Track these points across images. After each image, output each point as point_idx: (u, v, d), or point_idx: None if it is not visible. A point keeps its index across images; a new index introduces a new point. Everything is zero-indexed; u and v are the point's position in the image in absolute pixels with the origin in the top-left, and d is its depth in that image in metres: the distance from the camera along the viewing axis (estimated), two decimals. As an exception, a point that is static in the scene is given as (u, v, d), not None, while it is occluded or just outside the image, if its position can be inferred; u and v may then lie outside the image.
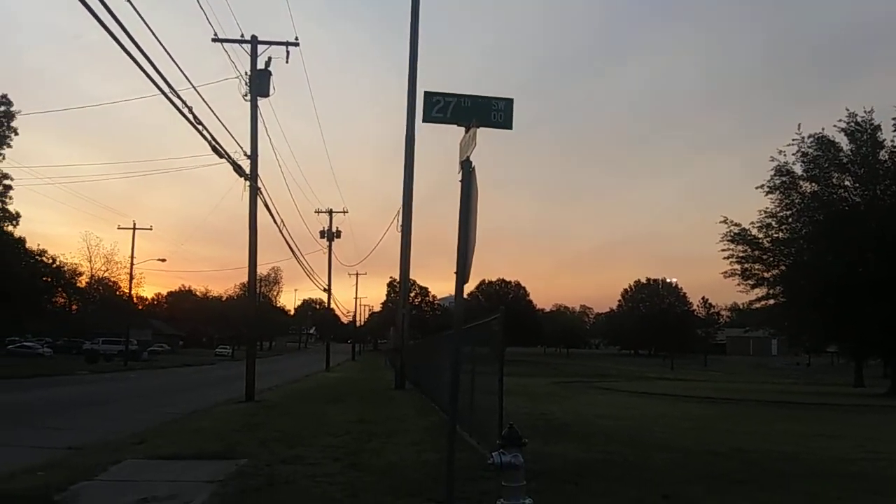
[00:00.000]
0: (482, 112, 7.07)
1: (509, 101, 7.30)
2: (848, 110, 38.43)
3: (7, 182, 54.15)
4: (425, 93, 7.13)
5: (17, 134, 52.37)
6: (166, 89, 13.10)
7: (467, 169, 6.28)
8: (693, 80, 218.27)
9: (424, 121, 7.10)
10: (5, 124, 51.21)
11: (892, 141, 37.73)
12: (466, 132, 6.74)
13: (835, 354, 68.58)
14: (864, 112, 38.22)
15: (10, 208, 55.43)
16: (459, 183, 6.30)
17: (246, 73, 21.76)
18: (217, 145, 17.43)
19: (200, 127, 15.77)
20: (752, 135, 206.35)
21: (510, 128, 7.19)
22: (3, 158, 52.58)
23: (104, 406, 21.29)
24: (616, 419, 18.82)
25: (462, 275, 6.33)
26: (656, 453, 11.67)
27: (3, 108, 51.18)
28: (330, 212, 63.17)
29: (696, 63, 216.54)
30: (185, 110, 14.53)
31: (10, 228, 56.19)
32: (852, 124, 38.67)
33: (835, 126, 38.82)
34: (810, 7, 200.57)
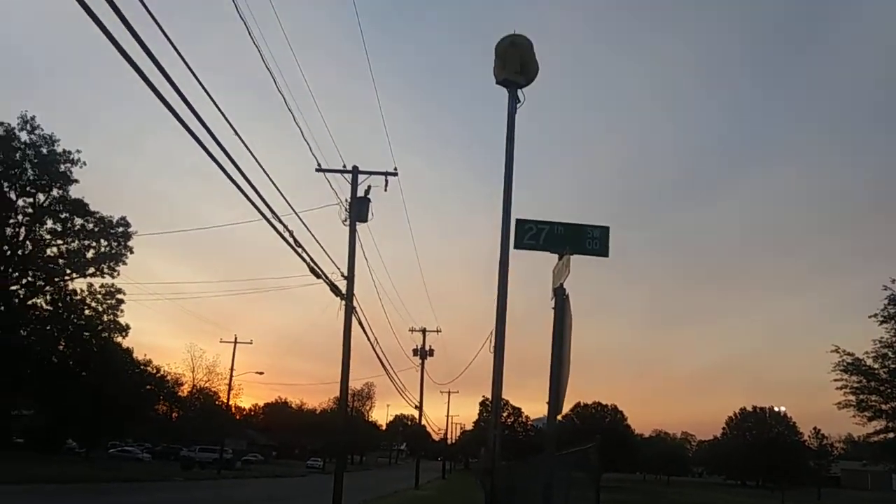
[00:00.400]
0: (576, 240, 7.09)
1: (604, 230, 7.27)
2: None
3: (120, 296, 57.62)
4: (517, 220, 7.22)
5: (132, 253, 56.05)
6: (270, 216, 13.76)
7: (561, 296, 6.27)
8: (801, 204, 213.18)
9: (516, 247, 7.16)
10: (122, 244, 55.08)
11: None
12: (560, 259, 6.77)
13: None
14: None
15: (121, 320, 58.73)
16: (552, 310, 6.30)
17: (346, 200, 22.81)
18: (315, 267, 18.07)
19: (300, 250, 16.45)
20: (864, 261, 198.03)
21: (606, 255, 7.14)
22: (119, 274, 56.08)
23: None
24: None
25: (555, 406, 6.22)
26: None
27: (122, 230, 55.02)
28: (423, 330, 63.78)
29: (803, 187, 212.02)
30: (287, 235, 15.20)
31: (120, 339, 59.40)
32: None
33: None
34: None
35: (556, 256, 6.87)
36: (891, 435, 40.47)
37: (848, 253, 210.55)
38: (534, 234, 7.07)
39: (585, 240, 7.14)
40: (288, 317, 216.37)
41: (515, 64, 9.87)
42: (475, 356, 60.64)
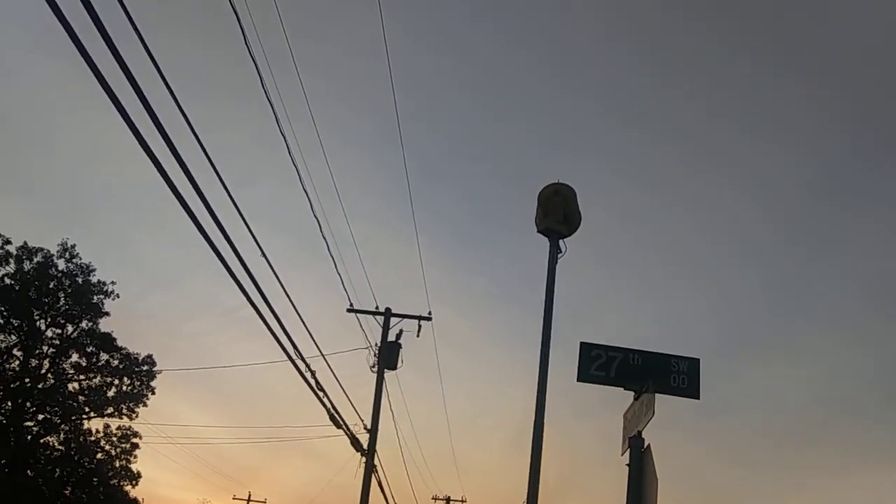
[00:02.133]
0: (659, 373, 5.70)
1: (694, 362, 5.78)
2: None
3: (135, 440, 55.07)
4: (582, 344, 5.90)
5: (154, 393, 54.13)
6: (293, 353, 12.66)
7: (638, 447, 4.89)
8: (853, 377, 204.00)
9: (580, 380, 5.81)
10: (145, 383, 53.23)
11: None
12: (636, 398, 5.46)
13: None
14: None
15: (134, 467, 55.76)
16: (626, 466, 4.93)
17: (376, 345, 21.67)
18: (336, 415, 16.72)
19: (321, 394, 15.20)
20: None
21: (696, 396, 5.66)
22: (137, 416, 53.95)
23: None
24: None
25: None
26: None
27: (146, 368, 53.58)
28: (447, 499, 60.06)
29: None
30: (308, 375, 14.04)
31: (129, 488, 56.21)
32: None
33: None
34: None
35: (624, 394, 5.54)
36: None
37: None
38: (603, 364, 5.73)
39: (670, 375, 5.74)
40: (306, 474, 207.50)
41: (559, 213, 9.50)
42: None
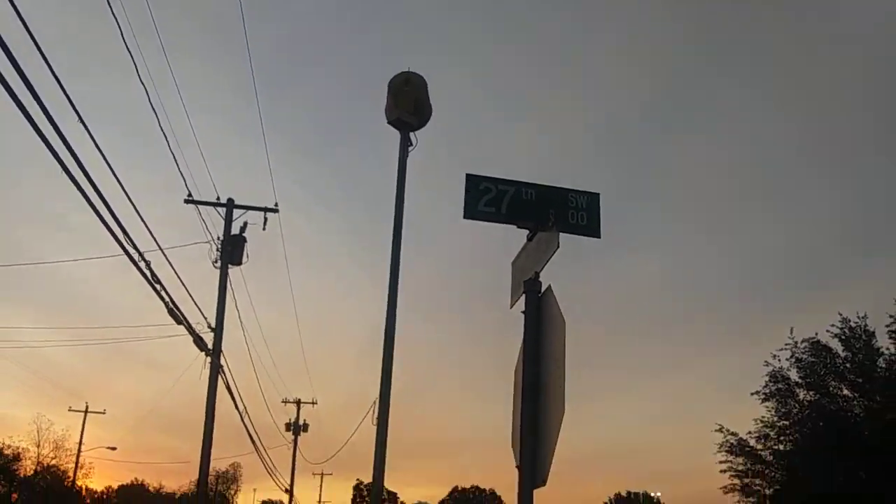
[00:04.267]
0: (555, 209, 4.98)
1: (594, 197, 5.19)
2: (840, 315, 37.11)
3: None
4: (468, 176, 5.03)
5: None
6: (122, 237, 11.16)
7: (534, 292, 4.14)
8: (680, 281, 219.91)
9: (467, 216, 4.99)
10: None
11: (889, 349, 36.11)
12: (530, 239, 4.74)
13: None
14: (858, 318, 36.90)
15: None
16: (522, 315, 4.20)
17: (218, 238, 20.08)
18: (176, 309, 15.34)
19: (158, 287, 13.77)
20: (742, 339, 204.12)
21: (597, 235, 5.06)
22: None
23: None
24: None
25: (531, 476, 3.95)
26: None
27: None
28: (298, 402, 59.76)
29: (681, 264, 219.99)
30: (143, 266, 12.57)
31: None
32: (846, 330, 37.20)
33: (827, 331, 37.27)
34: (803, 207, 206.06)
35: (516, 235, 4.80)
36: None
37: (725, 332, 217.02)
38: (492, 199, 4.91)
39: (567, 211, 5.03)
40: (147, 381, 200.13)
41: (409, 103, 9.23)
42: (356, 429, 57.16)
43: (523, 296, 4.47)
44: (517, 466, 4.33)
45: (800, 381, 37.58)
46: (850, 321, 36.88)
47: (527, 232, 4.86)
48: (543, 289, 4.43)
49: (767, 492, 39.26)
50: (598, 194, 5.06)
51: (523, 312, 4.42)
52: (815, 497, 34.04)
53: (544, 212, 4.81)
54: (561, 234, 4.38)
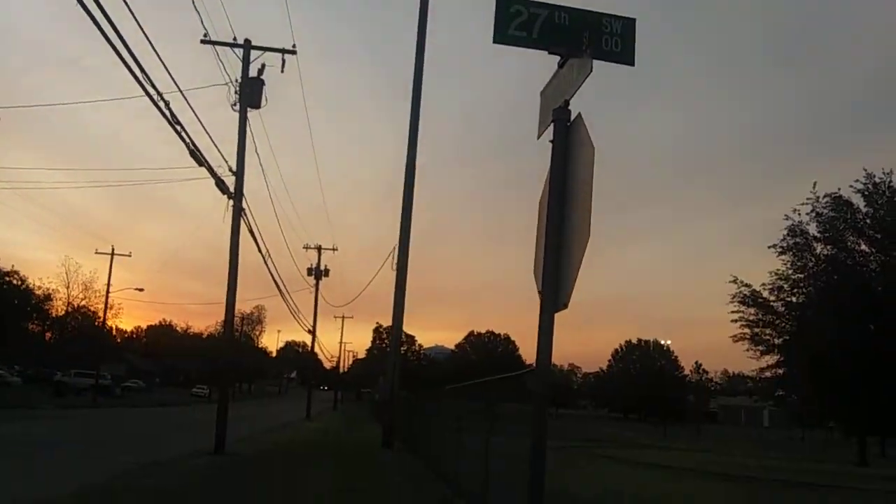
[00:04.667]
0: (590, 34, 4.73)
1: (629, 23, 4.88)
2: (865, 170, 36.61)
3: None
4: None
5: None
6: (141, 77, 10.95)
7: (564, 120, 4.02)
8: (697, 133, 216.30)
9: (496, 41, 4.76)
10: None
11: (911, 204, 35.81)
12: (561, 67, 4.58)
13: (830, 429, 65.84)
14: (883, 173, 36.41)
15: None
16: (550, 145, 4.11)
17: (236, 81, 19.74)
18: (197, 151, 15.29)
19: (179, 128, 13.66)
20: (762, 194, 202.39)
21: (631, 62, 4.84)
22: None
23: (52, 450, 18.67)
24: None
25: (555, 296, 4.00)
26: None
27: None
28: (319, 248, 60.97)
29: (701, 114, 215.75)
30: (163, 106, 12.40)
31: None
32: (869, 185, 36.82)
33: (851, 186, 36.89)
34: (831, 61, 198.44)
35: (547, 61, 4.61)
36: (781, 370, 41.05)
37: (739, 185, 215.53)
38: (524, 22, 4.68)
39: (601, 36, 4.78)
40: (171, 227, 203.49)
41: None
42: (375, 274, 58.64)
43: (552, 125, 4.36)
44: (539, 292, 4.38)
45: (818, 235, 37.64)
46: (874, 176, 36.48)
47: (557, 59, 4.68)
48: (573, 117, 4.32)
49: (777, 341, 40.14)
50: (634, 20, 4.79)
51: (551, 141, 4.32)
52: (824, 347, 34.78)
53: (577, 37, 4.58)
54: (594, 60, 4.21)
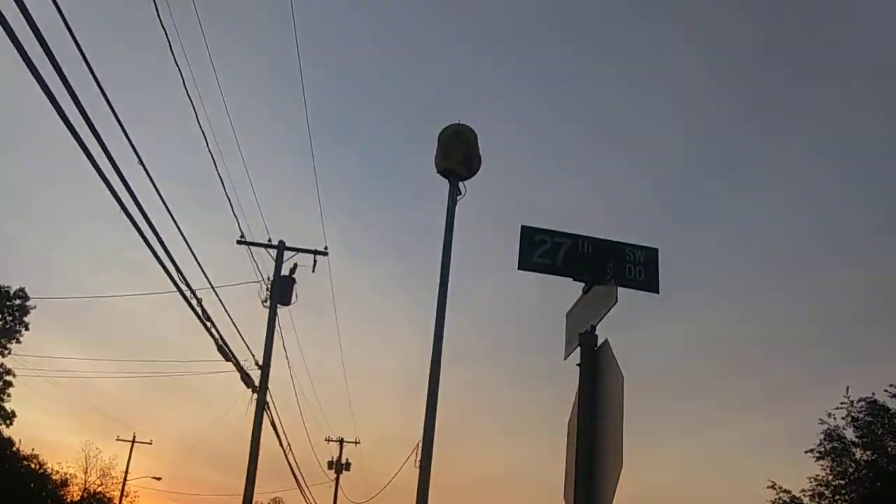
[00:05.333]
0: (612, 262, 4.88)
1: (652, 252, 5.12)
2: (899, 375, 35.98)
3: (8, 378, 51.83)
4: (523, 228, 4.97)
5: (27, 329, 51.21)
6: (176, 276, 11.39)
7: (590, 343, 4.08)
8: (729, 335, 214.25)
9: (521, 267, 4.93)
10: (18, 318, 50.32)
11: (948, 409, 34.86)
12: (586, 292, 4.69)
13: None
14: (915, 378, 35.75)
15: (7, 406, 52.68)
16: (578, 368, 4.14)
17: (268, 279, 20.43)
18: (225, 346, 15.54)
19: (209, 323, 14.00)
20: (790, 398, 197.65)
21: (656, 290, 4.95)
22: (10, 353, 50.87)
23: None
24: None
25: None
26: None
27: (19, 302, 50.44)
28: (340, 441, 59.80)
29: (729, 316, 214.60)
30: (195, 303, 12.79)
31: (2, 427, 53.12)
32: (903, 391, 36.06)
33: (886, 391, 36.19)
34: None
35: (571, 286, 4.72)
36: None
37: (773, 391, 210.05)
38: (548, 251, 4.85)
39: (625, 265, 4.92)
40: (194, 414, 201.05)
41: (458, 154, 9.55)
42: (397, 472, 56.75)
43: (578, 349, 4.42)
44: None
45: (856, 440, 36.50)
46: (905, 382, 35.86)
47: (582, 285, 4.82)
48: (600, 342, 4.38)
49: (823, 553, 37.83)
50: (657, 249, 4.98)
51: (578, 365, 4.36)
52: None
53: (601, 265, 4.75)
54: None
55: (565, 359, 4.54)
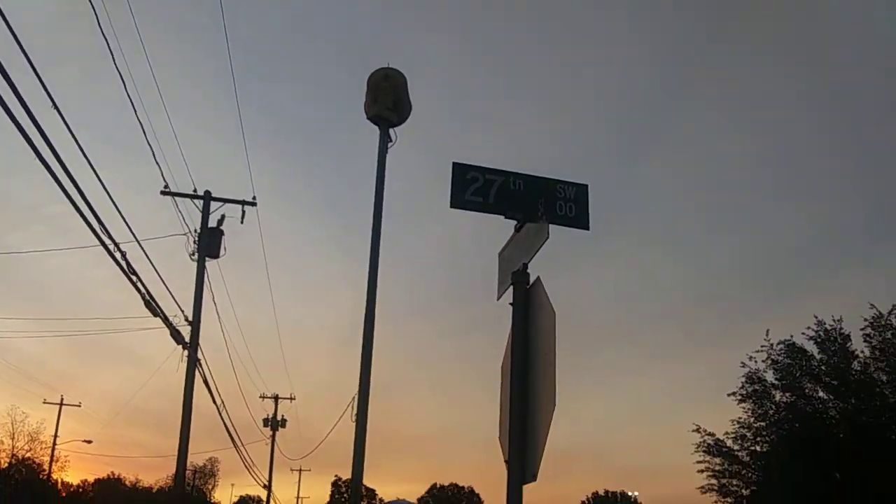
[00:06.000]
0: (543, 199, 4.86)
1: (582, 189, 5.12)
2: (816, 318, 37.25)
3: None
4: (455, 165, 4.91)
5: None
6: (98, 227, 10.95)
7: (523, 283, 4.04)
8: (661, 277, 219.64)
9: (454, 205, 4.86)
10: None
11: (863, 352, 36.33)
12: (518, 230, 4.66)
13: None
14: (833, 320, 37.09)
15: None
16: (510, 307, 4.11)
17: (195, 231, 19.87)
18: (152, 301, 15.11)
19: (135, 278, 13.55)
20: (717, 342, 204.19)
21: (586, 227, 4.98)
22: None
23: None
24: None
25: (519, 472, 3.84)
26: None
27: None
28: (276, 397, 59.57)
29: (656, 262, 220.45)
30: (118, 255, 12.34)
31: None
32: (821, 333, 37.35)
33: (803, 334, 37.40)
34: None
35: (503, 225, 4.67)
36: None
37: (701, 335, 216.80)
38: (480, 188, 4.81)
39: (556, 202, 4.92)
40: (123, 376, 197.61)
41: (388, 99, 9.27)
42: (333, 427, 56.99)
43: (510, 288, 4.39)
44: (505, 461, 4.25)
45: (776, 382, 37.78)
46: (825, 324, 37.10)
47: (514, 223, 4.79)
48: (532, 280, 4.36)
49: (744, 492, 39.39)
50: (587, 185, 5.02)
51: (511, 304, 4.34)
52: (791, 498, 34.21)
53: (532, 202, 4.73)
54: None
55: (498, 299, 4.53)
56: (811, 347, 37.10)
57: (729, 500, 38.84)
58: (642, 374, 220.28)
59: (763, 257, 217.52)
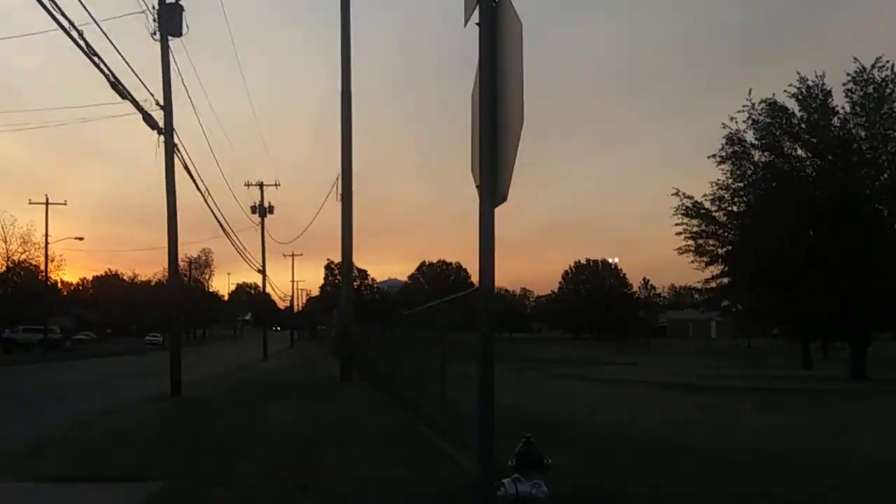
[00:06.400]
0: None
1: None
2: (799, 74, 36.83)
3: None
4: None
5: None
6: (49, 5, 10.31)
7: (488, 1, 3.82)
8: (637, 47, 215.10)
9: None
10: None
11: (844, 108, 36.28)
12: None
13: (774, 336, 67.94)
14: (816, 77, 36.69)
15: None
16: (477, 26, 3.93)
17: (154, 8, 18.76)
18: (118, 83, 14.60)
19: (96, 59, 12.98)
20: (697, 106, 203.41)
21: None
22: None
23: (3, 404, 18.34)
24: (597, 412, 16.65)
25: (491, 189, 3.87)
26: (681, 460, 9.60)
27: None
28: (261, 184, 60.18)
29: (637, 28, 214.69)
30: (75, 34, 11.71)
31: None
32: (803, 90, 37.06)
33: (785, 91, 37.09)
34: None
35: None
36: (726, 280, 41.87)
37: (680, 99, 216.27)
38: None
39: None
40: (104, 171, 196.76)
41: None
42: (321, 206, 58.13)
43: (477, 8, 4.16)
44: (477, 187, 4.28)
45: (756, 142, 37.98)
46: (807, 80, 36.74)
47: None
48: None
49: (720, 251, 40.81)
50: None
51: (478, 24, 4.14)
52: (764, 254, 35.53)
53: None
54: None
55: (465, 24, 4.32)
56: (793, 105, 36.99)
57: (705, 259, 40.35)
58: (619, 146, 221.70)
59: (744, 20, 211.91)
